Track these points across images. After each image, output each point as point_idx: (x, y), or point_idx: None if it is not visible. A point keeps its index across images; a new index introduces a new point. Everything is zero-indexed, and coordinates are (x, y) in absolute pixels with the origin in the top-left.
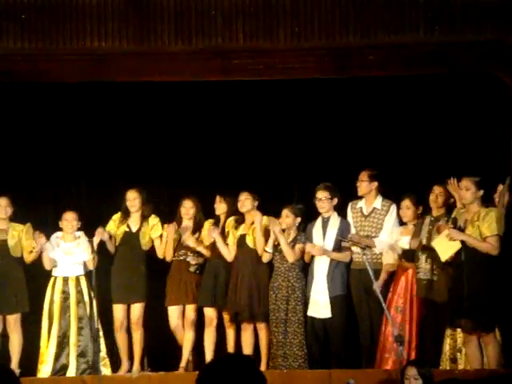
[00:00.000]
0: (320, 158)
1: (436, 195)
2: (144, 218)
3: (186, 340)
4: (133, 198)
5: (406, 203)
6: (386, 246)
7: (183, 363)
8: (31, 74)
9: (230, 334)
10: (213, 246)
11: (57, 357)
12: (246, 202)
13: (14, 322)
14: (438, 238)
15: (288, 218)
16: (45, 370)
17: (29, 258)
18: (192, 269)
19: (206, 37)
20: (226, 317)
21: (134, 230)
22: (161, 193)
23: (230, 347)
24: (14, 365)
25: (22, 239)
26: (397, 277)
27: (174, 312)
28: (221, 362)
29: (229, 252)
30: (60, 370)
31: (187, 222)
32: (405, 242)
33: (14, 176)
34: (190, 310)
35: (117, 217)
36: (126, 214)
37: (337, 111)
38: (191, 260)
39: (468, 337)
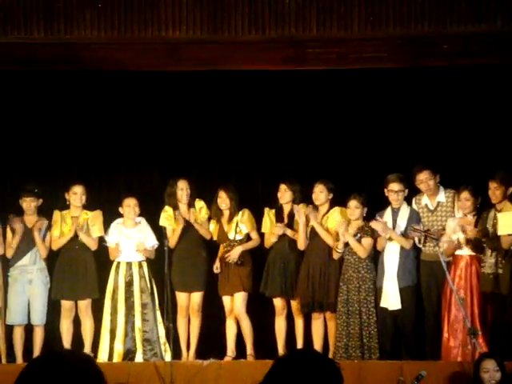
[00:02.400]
0: (381, 149)
1: (492, 190)
2: (190, 205)
3: (245, 328)
4: (186, 188)
5: (465, 195)
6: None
7: (249, 351)
8: (106, 62)
9: (299, 323)
10: (281, 237)
11: (123, 342)
12: (320, 194)
13: (85, 308)
14: (507, 212)
15: (358, 208)
16: (103, 355)
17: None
18: (239, 261)
19: (280, 26)
20: (294, 306)
21: (186, 217)
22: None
23: (299, 337)
24: (87, 349)
25: (90, 225)
26: (455, 268)
27: (226, 301)
28: (300, 355)
29: (303, 241)
30: (127, 355)
31: (226, 213)
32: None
33: (84, 164)
34: (239, 298)
35: (168, 211)
36: (176, 204)
37: (404, 101)
38: (231, 258)
39: None
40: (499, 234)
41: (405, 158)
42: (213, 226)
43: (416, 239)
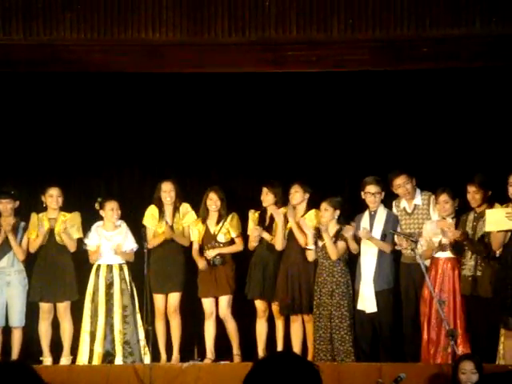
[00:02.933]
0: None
1: (472, 194)
2: (176, 208)
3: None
4: (169, 190)
5: (444, 197)
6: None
7: (236, 351)
8: (86, 64)
9: (279, 325)
10: (260, 240)
11: (102, 344)
12: (295, 194)
13: (63, 310)
14: (495, 209)
15: (327, 211)
16: (83, 358)
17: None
18: (212, 261)
19: (260, 28)
20: (274, 308)
21: (169, 221)
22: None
23: (279, 338)
24: (66, 351)
25: (68, 227)
26: (433, 270)
27: (207, 303)
28: (278, 357)
29: (280, 241)
30: (106, 357)
31: (214, 214)
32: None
33: (63, 166)
34: (225, 300)
35: (152, 211)
36: (161, 206)
37: (383, 103)
38: (208, 254)
39: (508, 333)
40: (486, 230)
41: (383, 160)
42: (199, 226)
43: (397, 243)
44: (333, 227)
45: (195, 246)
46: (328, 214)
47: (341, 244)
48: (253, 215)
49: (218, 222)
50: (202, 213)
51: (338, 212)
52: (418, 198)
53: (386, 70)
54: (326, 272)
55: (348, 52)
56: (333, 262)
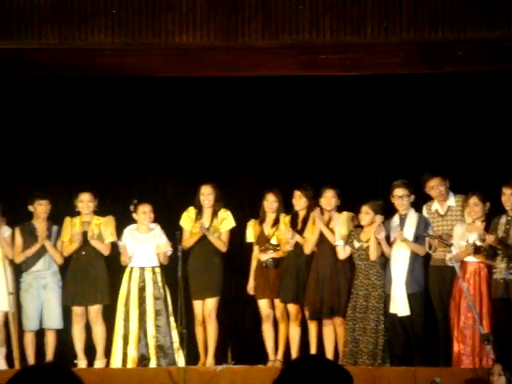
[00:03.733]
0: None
1: (507, 196)
2: (215, 213)
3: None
4: (208, 193)
5: (474, 200)
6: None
7: (279, 356)
8: (119, 68)
9: (312, 329)
10: (295, 244)
11: (136, 348)
12: (332, 200)
13: (95, 314)
14: None
15: (368, 214)
16: (116, 361)
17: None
18: (264, 263)
19: (293, 32)
20: (306, 312)
21: (206, 225)
22: (244, 187)
23: (312, 342)
24: (100, 355)
25: (101, 230)
26: (463, 274)
27: (263, 305)
28: (309, 360)
29: (311, 245)
30: (141, 361)
31: (271, 216)
32: (473, 239)
33: (96, 170)
34: (278, 303)
35: (190, 212)
36: (200, 209)
37: (417, 106)
38: (262, 256)
39: None
40: None
41: (416, 163)
42: (255, 227)
43: (426, 245)
44: (370, 231)
45: (255, 248)
46: (368, 218)
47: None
48: (284, 218)
49: (273, 225)
50: (261, 214)
51: (379, 217)
52: (452, 200)
53: (419, 73)
54: (362, 274)
55: (382, 55)
56: (369, 264)
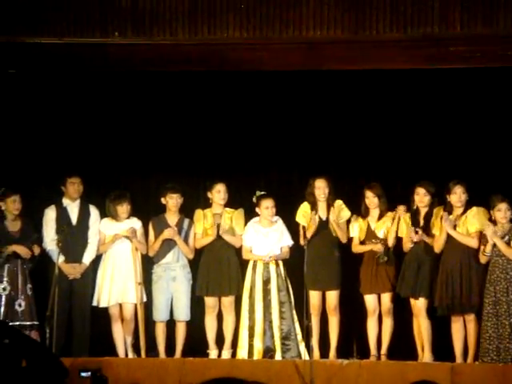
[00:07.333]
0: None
1: None
2: (329, 205)
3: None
4: (324, 187)
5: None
6: None
7: (384, 351)
8: (247, 62)
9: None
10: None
11: (262, 340)
12: (462, 196)
13: (229, 304)
14: None
15: (509, 211)
16: (242, 352)
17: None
18: (379, 257)
19: (422, 25)
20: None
21: (323, 218)
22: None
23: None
24: (227, 345)
25: (233, 223)
26: None
27: (370, 300)
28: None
29: (441, 245)
30: (266, 353)
31: (375, 211)
32: None
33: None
34: (387, 297)
35: (305, 208)
36: (314, 203)
37: None
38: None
39: None
40: None
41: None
42: (359, 222)
43: None
44: (502, 226)
45: (355, 242)
46: (510, 214)
47: None
48: (405, 215)
49: (378, 219)
50: (363, 210)
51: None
52: None
53: None
54: (499, 269)
55: None
56: (507, 259)
